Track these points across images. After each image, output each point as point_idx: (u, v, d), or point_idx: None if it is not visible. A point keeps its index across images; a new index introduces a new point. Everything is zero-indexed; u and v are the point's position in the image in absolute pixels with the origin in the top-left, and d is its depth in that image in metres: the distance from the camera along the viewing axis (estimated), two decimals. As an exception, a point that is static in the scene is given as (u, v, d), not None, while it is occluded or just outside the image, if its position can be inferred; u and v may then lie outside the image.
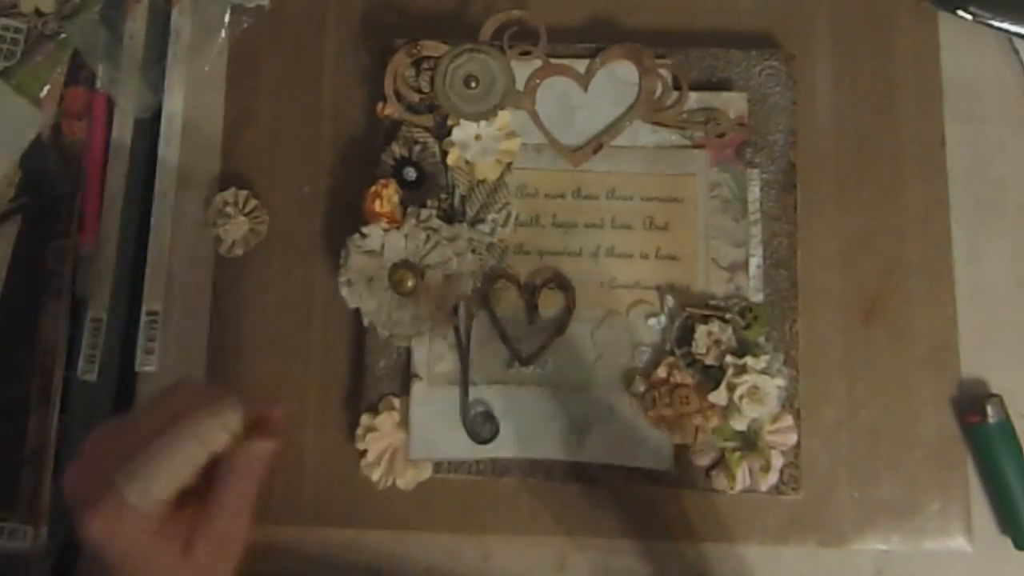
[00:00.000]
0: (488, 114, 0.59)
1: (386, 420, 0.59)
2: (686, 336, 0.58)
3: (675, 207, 0.60)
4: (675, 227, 0.59)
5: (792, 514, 0.59)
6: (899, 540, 0.59)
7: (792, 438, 0.57)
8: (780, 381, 0.56)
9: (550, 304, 0.59)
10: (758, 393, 0.56)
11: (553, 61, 0.60)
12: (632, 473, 0.58)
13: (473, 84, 0.59)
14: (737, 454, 0.57)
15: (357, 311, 0.58)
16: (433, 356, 0.59)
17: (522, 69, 0.60)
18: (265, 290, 0.63)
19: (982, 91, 0.64)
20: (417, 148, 0.60)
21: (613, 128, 0.60)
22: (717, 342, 0.57)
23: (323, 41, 0.65)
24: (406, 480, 0.58)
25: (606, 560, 0.60)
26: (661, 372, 0.57)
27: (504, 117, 0.59)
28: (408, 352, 0.59)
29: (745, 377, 0.56)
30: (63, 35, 0.65)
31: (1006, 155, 0.63)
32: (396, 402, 0.59)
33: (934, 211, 0.62)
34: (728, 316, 0.57)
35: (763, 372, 0.56)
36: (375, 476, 0.58)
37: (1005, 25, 0.63)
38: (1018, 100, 0.64)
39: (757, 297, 0.59)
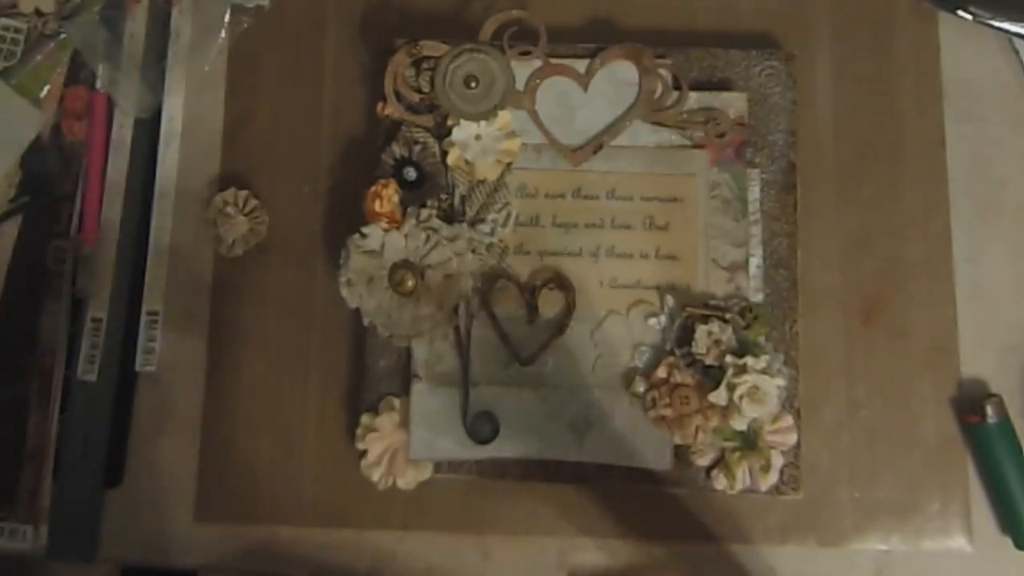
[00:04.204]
0: (488, 114, 0.59)
1: (386, 420, 0.59)
2: (686, 336, 0.57)
3: (675, 207, 0.60)
4: (675, 227, 0.59)
5: (792, 514, 0.59)
6: (899, 540, 0.59)
7: (792, 438, 0.57)
8: (780, 381, 0.56)
9: (550, 304, 0.59)
10: (758, 393, 0.56)
11: (553, 61, 0.60)
12: (632, 473, 0.58)
13: (473, 84, 0.59)
14: (737, 454, 0.57)
15: (357, 311, 0.58)
16: (433, 356, 0.59)
17: (522, 69, 0.60)
18: (265, 290, 0.63)
19: (982, 91, 0.64)
20: (417, 148, 0.60)
21: (613, 128, 0.60)
22: (717, 342, 0.57)
23: (323, 41, 0.65)
24: (406, 480, 0.58)
25: (606, 560, 0.60)
26: (661, 372, 0.57)
27: (504, 117, 0.59)
28: (408, 352, 0.59)
29: (745, 377, 0.56)
30: (63, 35, 0.65)
31: (1006, 155, 0.63)
32: (396, 402, 0.59)
33: (934, 211, 0.62)
34: (728, 316, 0.57)
35: (763, 372, 0.56)
36: (375, 476, 0.58)
37: (1005, 25, 0.63)
38: (1018, 100, 0.64)
39: (757, 297, 0.59)
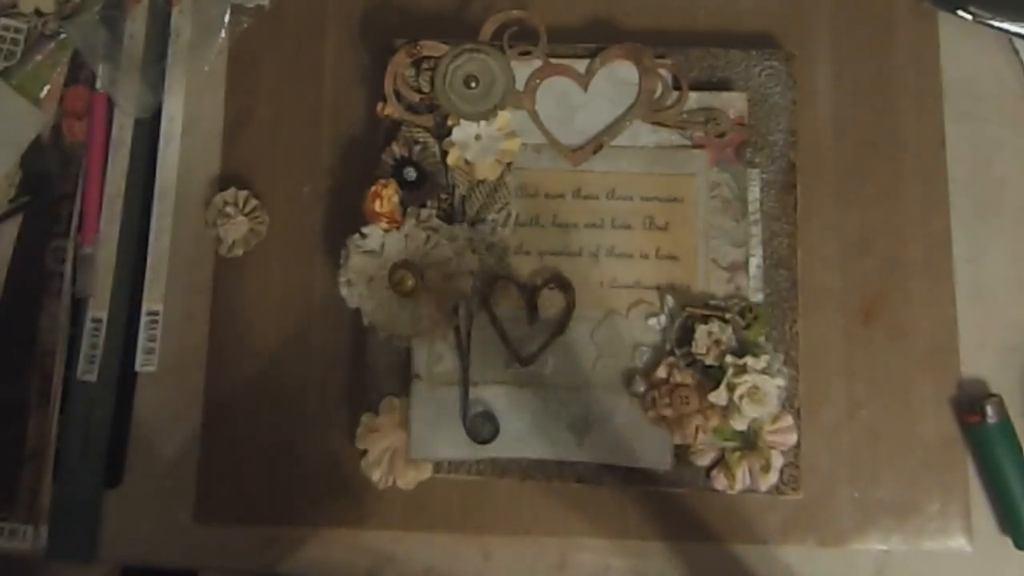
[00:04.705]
0: (488, 114, 0.59)
1: (386, 420, 0.59)
2: (686, 336, 0.57)
3: (675, 207, 0.60)
4: (675, 227, 0.59)
5: (792, 514, 0.59)
6: (899, 540, 0.59)
7: (792, 438, 0.57)
8: (780, 381, 0.56)
9: (550, 304, 0.59)
10: (758, 393, 0.56)
11: (553, 61, 0.60)
12: (632, 473, 0.58)
13: (473, 84, 0.59)
14: (737, 454, 0.57)
15: (357, 311, 0.58)
16: (433, 356, 0.59)
17: (522, 69, 0.60)
18: (265, 290, 0.63)
19: (982, 91, 0.64)
20: (417, 148, 0.60)
21: (613, 128, 0.60)
22: (717, 342, 0.57)
23: (323, 41, 0.65)
24: (406, 480, 0.58)
25: (606, 560, 0.60)
26: (661, 372, 0.57)
27: (504, 117, 0.59)
28: (408, 352, 0.59)
29: (745, 377, 0.56)
30: (63, 35, 0.65)
31: (1006, 155, 0.63)
32: (396, 402, 0.59)
33: (934, 211, 0.62)
34: (728, 316, 0.57)
35: (763, 372, 0.56)
36: (375, 476, 0.58)
37: (1005, 25, 0.63)
38: (1018, 100, 0.64)
39: (757, 297, 0.59)
